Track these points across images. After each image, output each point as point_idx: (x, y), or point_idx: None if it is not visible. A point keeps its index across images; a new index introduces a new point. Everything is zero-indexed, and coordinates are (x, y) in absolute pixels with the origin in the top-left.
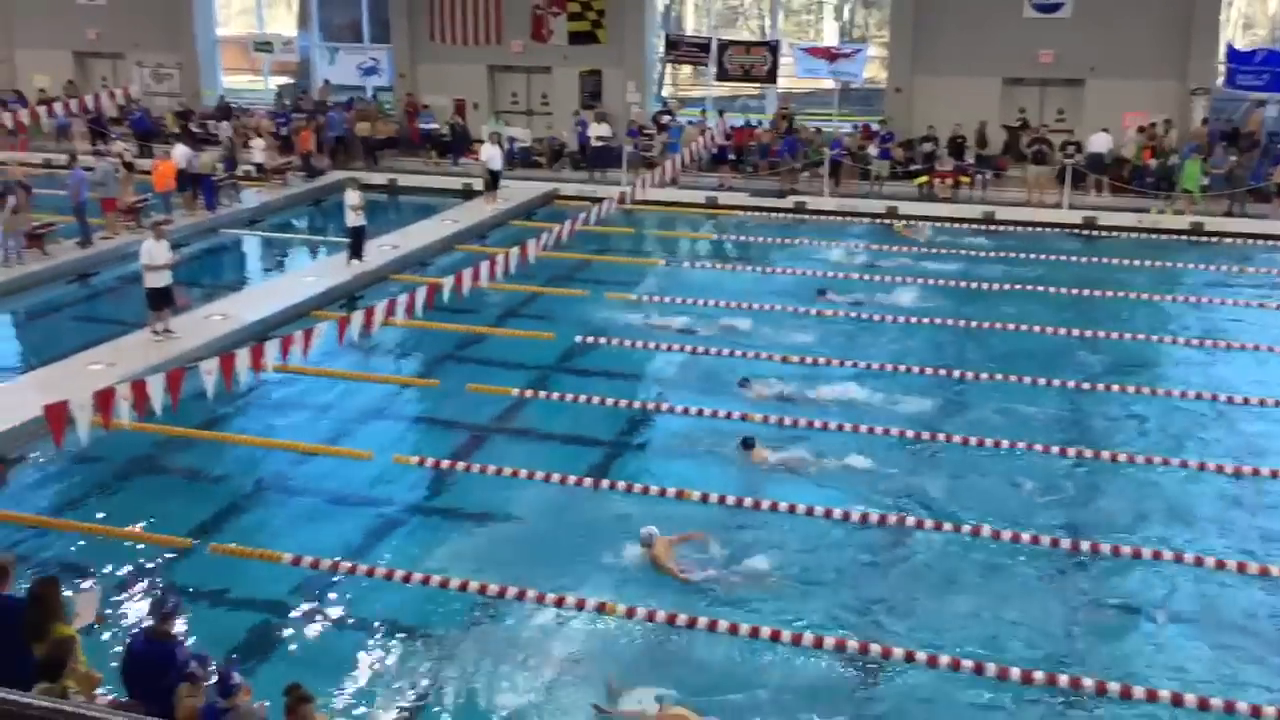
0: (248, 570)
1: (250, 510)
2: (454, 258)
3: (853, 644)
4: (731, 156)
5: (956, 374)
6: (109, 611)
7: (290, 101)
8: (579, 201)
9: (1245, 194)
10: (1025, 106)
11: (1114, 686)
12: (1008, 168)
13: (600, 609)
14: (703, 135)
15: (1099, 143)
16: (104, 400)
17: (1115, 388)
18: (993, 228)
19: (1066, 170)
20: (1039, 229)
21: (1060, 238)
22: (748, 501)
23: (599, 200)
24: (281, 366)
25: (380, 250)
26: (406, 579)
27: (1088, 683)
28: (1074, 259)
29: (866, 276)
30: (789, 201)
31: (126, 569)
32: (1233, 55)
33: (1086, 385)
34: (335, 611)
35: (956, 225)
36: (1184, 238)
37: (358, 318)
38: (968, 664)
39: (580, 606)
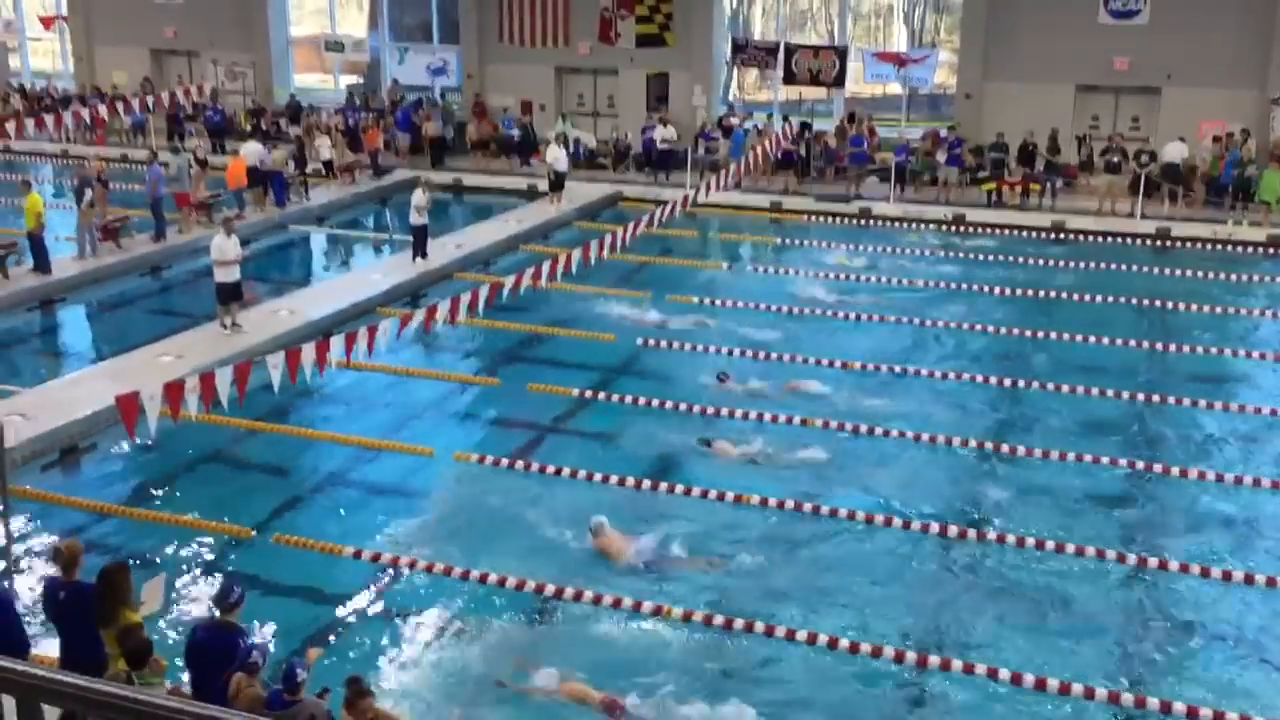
0: (309, 562)
1: (313, 502)
2: (518, 257)
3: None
4: (801, 155)
5: (1021, 384)
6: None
7: (359, 100)
8: (643, 204)
9: None
10: (1099, 114)
11: (1179, 707)
12: (1078, 176)
13: (656, 611)
14: (765, 140)
15: (1174, 152)
16: (173, 393)
17: (1186, 401)
18: (1063, 236)
19: (1140, 179)
20: (1111, 239)
21: (1132, 249)
22: (807, 507)
23: (663, 203)
24: (345, 362)
25: (444, 249)
26: (465, 576)
27: (1153, 703)
28: (1145, 269)
29: (932, 284)
30: (853, 206)
31: (189, 558)
32: None
33: (1156, 398)
34: (394, 606)
35: (1023, 234)
36: (1260, 250)
37: (420, 315)
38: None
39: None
